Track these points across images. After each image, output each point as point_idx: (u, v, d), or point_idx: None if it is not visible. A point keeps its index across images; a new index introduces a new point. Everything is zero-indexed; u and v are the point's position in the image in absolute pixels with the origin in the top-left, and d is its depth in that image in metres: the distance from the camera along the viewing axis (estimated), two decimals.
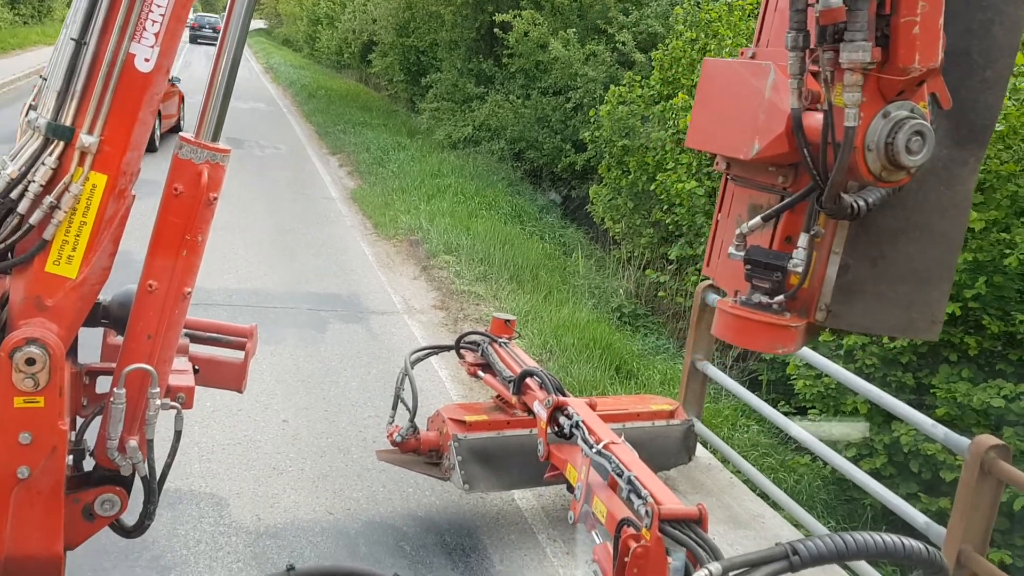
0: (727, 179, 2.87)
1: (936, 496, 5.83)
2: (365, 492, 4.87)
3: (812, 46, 2.29)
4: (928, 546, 2.14)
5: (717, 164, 2.90)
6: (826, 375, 5.94)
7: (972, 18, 2.44)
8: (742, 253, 2.57)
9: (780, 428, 5.07)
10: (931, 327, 2.58)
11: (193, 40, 46.35)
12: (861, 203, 2.37)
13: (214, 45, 2.50)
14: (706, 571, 1.98)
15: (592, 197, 12.59)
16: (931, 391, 6.10)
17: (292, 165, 16.00)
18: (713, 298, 5.51)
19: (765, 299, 2.54)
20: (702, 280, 7.77)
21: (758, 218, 2.58)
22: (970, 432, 5.47)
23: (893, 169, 2.28)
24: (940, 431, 3.82)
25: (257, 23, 68.80)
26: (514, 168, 17.26)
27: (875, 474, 6.21)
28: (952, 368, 6.29)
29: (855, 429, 5.80)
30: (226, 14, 2.48)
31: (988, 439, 3.51)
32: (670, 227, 10.48)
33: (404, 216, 11.74)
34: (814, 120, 2.38)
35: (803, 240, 2.46)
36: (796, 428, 4.85)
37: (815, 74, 2.37)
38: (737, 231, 2.61)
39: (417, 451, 4.54)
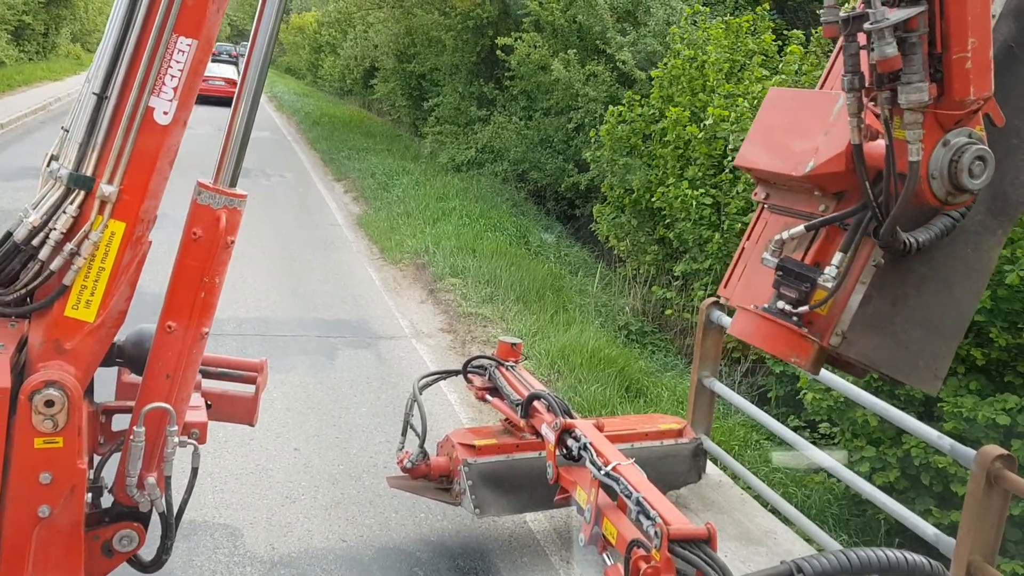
0: (763, 208, 2.98)
1: (949, 509, 5.83)
2: (378, 519, 4.90)
3: (868, 85, 2.41)
4: (931, 560, 2.18)
5: (756, 193, 3.02)
6: (835, 390, 5.96)
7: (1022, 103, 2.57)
8: (776, 260, 2.67)
9: (790, 444, 5.09)
10: (933, 380, 2.68)
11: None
12: (913, 241, 2.50)
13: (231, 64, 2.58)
14: None
15: (596, 216, 12.65)
16: (939, 404, 6.11)
17: (298, 192, 16.13)
18: (718, 315, 5.55)
19: (788, 308, 2.63)
20: (708, 296, 7.82)
21: (801, 226, 2.68)
22: (979, 445, 5.48)
23: (957, 193, 2.44)
24: (946, 443, 3.85)
25: None
26: (518, 189, 17.36)
27: (889, 488, 6.22)
28: (960, 381, 6.30)
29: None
30: (244, 63, 2.56)
31: (994, 450, 3.53)
32: (674, 243, 10.53)
33: (410, 240, 11.83)
34: (874, 150, 2.51)
35: (837, 259, 2.56)
36: (802, 442, 4.88)
37: (875, 113, 2.48)
38: (776, 237, 2.70)
39: (428, 477, 4.58)
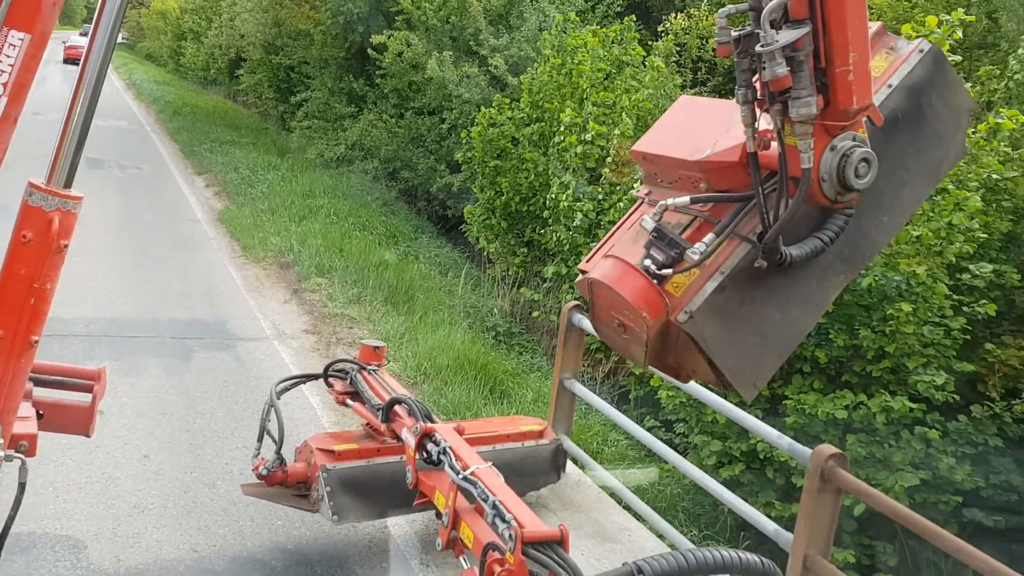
0: (641, 203, 3.07)
1: (790, 502, 6.17)
2: (232, 527, 4.75)
3: (759, 97, 2.58)
4: (763, 559, 2.30)
5: (638, 190, 3.13)
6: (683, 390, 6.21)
7: (893, 169, 2.83)
8: (655, 222, 2.76)
9: (644, 443, 5.27)
10: (751, 388, 2.85)
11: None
12: (791, 255, 2.68)
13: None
14: None
15: (466, 217, 12.71)
16: (784, 401, 6.46)
17: (155, 186, 15.44)
18: (579, 318, 5.67)
19: (652, 267, 2.72)
20: (574, 299, 7.97)
21: (686, 197, 2.80)
22: (819, 440, 5.84)
23: (845, 192, 2.64)
24: (785, 442, 4.06)
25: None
26: (388, 188, 17.21)
27: (734, 481, 6.53)
28: (804, 379, 6.69)
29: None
30: (83, 56, 2.42)
31: (828, 449, 3.75)
32: (545, 246, 10.69)
33: (274, 238, 11.52)
34: (767, 155, 2.68)
35: (708, 238, 2.70)
36: (655, 442, 5.05)
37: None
38: (661, 203, 2.80)
39: (285, 483, 4.47)
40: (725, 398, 4.64)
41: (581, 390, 5.80)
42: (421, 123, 16.65)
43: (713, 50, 11.72)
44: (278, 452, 4.43)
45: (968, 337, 6.09)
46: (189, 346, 7.56)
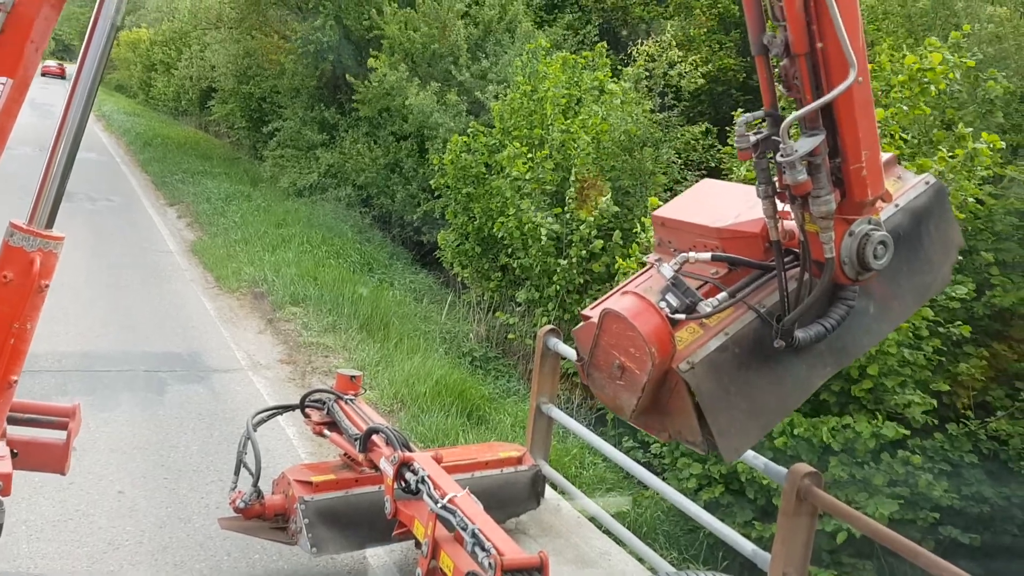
0: (651, 266, 3.20)
1: (771, 522, 6.20)
2: (208, 563, 4.70)
3: (779, 190, 2.79)
4: None
5: (649, 257, 3.30)
6: None
7: (885, 286, 3.06)
8: (673, 270, 2.92)
9: (621, 466, 5.28)
10: (733, 451, 2.98)
11: None
12: (802, 338, 2.86)
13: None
14: None
15: (440, 243, 12.73)
16: None
17: (126, 218, 15.33)
18: (554, 342, 5.69)
19: (667, 309, 2.86)
20: (548, 322, 8.00)
21: (708, 254, 2.99)
22: (801, 460, 5.88)
23: (865, 272, 2.87)
24: (760, 462, 4.09)
25: None
26: (362, 215, 17.21)
27: (714, 503, 6.55)
28: None
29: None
30: (67, 98, 2.42)
31: (803, 467, 3.78)
32: (516, 271, 10.74)
33: (247, 268, 11.47)
34: (787, 235, 2.90)
35: (722, 296, 2.89)
36: (634, 465, 5.07)
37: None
38: (682, 255, 2.98)
39: (262, 516, 4.44)
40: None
41: (558, 414, 5.82)
42: (399, 148, 16.67)
43: (679, 76, 11.92)
44: (255, 485, 4.39)
45: (941, 357, 6.20)
46: (163, 379, 7.49)
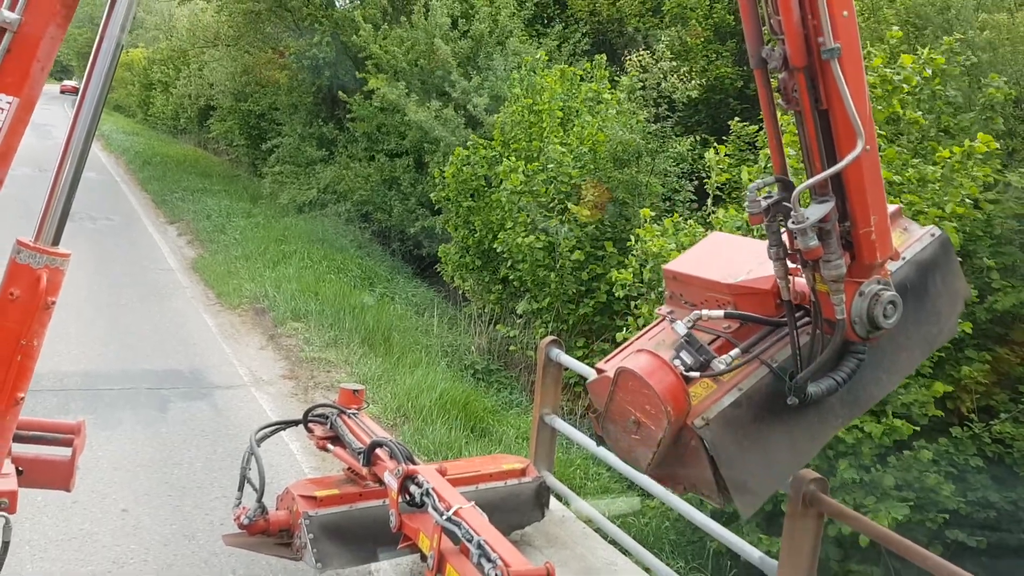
0: (663, 319, 3.29)
1: (777, 535, 6.16)
2: None
3: (790, 252, 2.88)
4: None
5: (660, 309, 3.40)
6: None
7: (895, 334, 3.09)
8: (687, 328, 2.99)
9: (625, 475, 5.27)
10: (749, 504, 3.07)
11: None
12: (814, 392, 2.93)
13: None
14: None
15: (441, 256, 12.74)
16: None
17: (127, 236, 15.35)
18: (556, 352, 5.69)
19: (681, 368, 2.93)
20: (548, 333, 8.00)
21: (721, 311, 3.08)
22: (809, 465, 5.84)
23: (874, 330, 2.95)
24: None
25: None
26: (362, 230, 17.23)
27: (720, 512, 6.51)
28: None
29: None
30: (73, 114, 2.44)
31: (808, 473, 3.77)
32: (515, 283, 10.75)
33: (248, 284, 11.48)
34: (797, 289, 3.01)
35: (735, 352, 2.97)
36: (636, 473, 5.05)
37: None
38: (695, 312, 3.06)
39: (267, 532, 4.42)
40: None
41: (562, 425, 5.80)
42: (396, 165, 16.70)
43: (673, 87, 11.95)
44: (259, 501, 4.38)
45: (940, 355, 6.18)
46: (165, 396, 7.49)
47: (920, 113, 6.92)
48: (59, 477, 2.89)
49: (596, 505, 5.59)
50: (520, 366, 11.17)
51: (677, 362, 2.96)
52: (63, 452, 2.99)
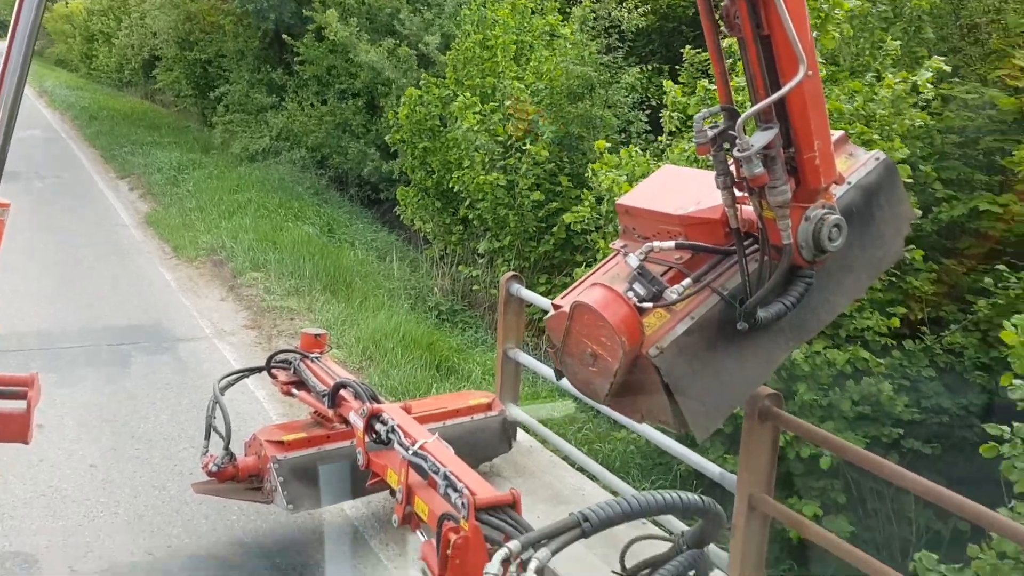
0: (617, 254, 3.30)
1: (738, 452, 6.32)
2: (185, 527, 4.73)
3: (737, 180, 2.92)
4: (704, 497, 2.39)
5: (614, 244, 3.42)
6: None
7: (842, 257, 3.15)
8: (638, 262, 3.03)
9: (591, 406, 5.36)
10: (704, 429, 3.17)
11: None
12: (764, 317, 2.99)
13: None
14: (505, 550, 2.11)
15: (400, 198, 12.63)
16: None
17: (77, 193, 15.00)
18: (517, 288, 5.72)
19: (634, 299, 2.98)
20: (510, 271, 8.03)
21: (672, 242, 3.11)
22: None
23: (821, 254, 3.02)
24: None
25: None
26: (318, 176, 16.98)
27: (687, 436, 6.66)
28: None
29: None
30: (2, 61, 2.36)
31: (764, 390, 3.86)
32: (475, 223, 10.73)
33: (204, 236, 11.32)
34: (745, 215, 3.03)
35: (686, 282, 3.02)
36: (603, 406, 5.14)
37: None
38: (647, 245, 3.09)
39: (236, 478, 4.46)
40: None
41: (526, 359, 5.87)
42: (346, 107, 16.40)
43: (627, 13, 11.82)
44: (226, 447, 4.41)
45: (892, 279, 6.31)
46: (126, 352, 7.43)
47: (853, 32, 6.92)
48: (15, 430, 2.88)
49: (531, 411, 5.74)
50: (484, 306, 11.20)
51: (630, 294, 3.00)
52: (18, 405, 2.97)
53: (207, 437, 4.54)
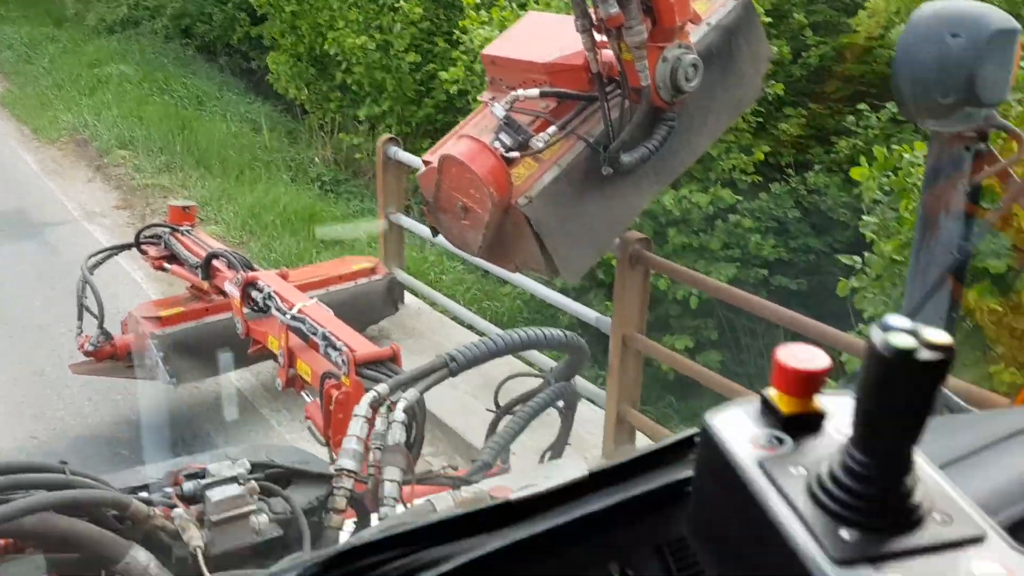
0: (485, 106, 3.27)
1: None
2: (69, 409, 4.66)
3: (595, 23, 2.88)
4: (567, 332, 2.49)
5: (483, 96, 3.41)
6: None
7: (702, 98, 3.19)
8: (504, 112, 3.02)
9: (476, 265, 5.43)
10: (573, 272, 3.27)
11: None
12: (628, 162, 3.02)
13: None
14: (374, 392, 2.17)
15: (271, 66, 12.06)
16: None
17: None
18: (395, 151, 5.65)
19: (501, 149, 2.99)
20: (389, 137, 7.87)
21: (536, 90, 3.09)
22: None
23: (679, 94, 3.04)
24: None
25: None
26: (184, 47, 15.99)
27: (574, 288, 6.87)
28: None
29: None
30: None
31: (634, 234, 4.00)
32: (353, 88, 10.40)
33: (65, 115, 10.63)
34: (605, 60, 3.01)
35: (552, 129, 3.02)
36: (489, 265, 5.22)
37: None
38: (512, 94, 3.06)
39: (116, 356, 4.40)
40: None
41: (409, 223, 5.87)
42: None
43: None
44: (100, 326, 4.32)
45: (759, 119, 6.50)
46: None
47: None
48: None
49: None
50: (369, 174, 10.98)
51: (497, 144, 3.00)
52: None
53: (80, 318, 4.42)
